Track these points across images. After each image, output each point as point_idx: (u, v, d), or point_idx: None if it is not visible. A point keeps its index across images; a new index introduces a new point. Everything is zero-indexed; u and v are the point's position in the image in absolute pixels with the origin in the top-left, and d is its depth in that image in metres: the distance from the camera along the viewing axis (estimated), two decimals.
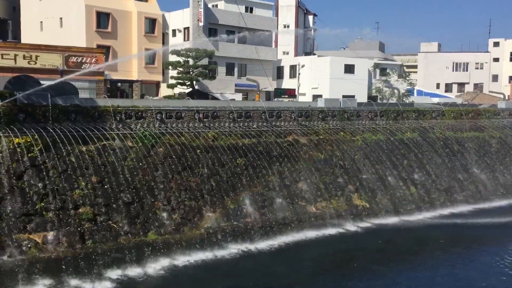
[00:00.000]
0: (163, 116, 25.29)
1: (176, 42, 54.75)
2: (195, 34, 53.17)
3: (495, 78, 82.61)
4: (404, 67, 79.90)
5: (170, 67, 50.08)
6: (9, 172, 19.62)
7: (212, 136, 25.30)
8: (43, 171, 20.16)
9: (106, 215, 20.70)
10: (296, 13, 70.11)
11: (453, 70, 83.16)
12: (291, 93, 56.54)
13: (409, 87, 65.46)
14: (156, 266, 18.70)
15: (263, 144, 26.36)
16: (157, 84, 53.86)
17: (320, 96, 47.64)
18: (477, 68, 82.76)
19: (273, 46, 65.07)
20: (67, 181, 20.57)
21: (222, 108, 27.51)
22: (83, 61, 37.23)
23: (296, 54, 68.52)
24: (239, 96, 52.41)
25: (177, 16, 55.58)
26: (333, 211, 25.58)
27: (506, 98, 68.98)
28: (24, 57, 34.95)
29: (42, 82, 24.46)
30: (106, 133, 22.49)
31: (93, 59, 37.79)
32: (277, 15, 67.77)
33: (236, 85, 56.24)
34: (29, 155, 20.11)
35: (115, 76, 48.19)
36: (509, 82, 78.24)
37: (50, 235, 19.25)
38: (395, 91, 62.45)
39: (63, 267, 17.94)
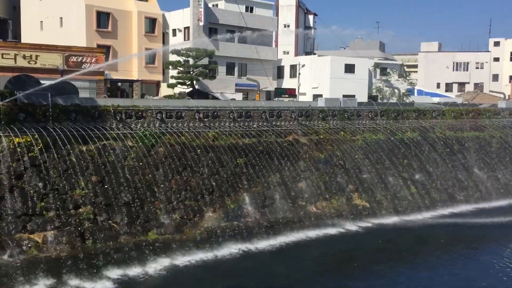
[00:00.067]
0: (163, 116, 25.29)
1: (176, 41, 54.73)
2: (195, 33, 53.17)
3: (495, 77, 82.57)
4: (405, 67, 79.85)
5: (170, 66, 50.08)
6: (9, 171, 19.62)
7: (212, 135, 25.29)
8: (43, 170, 20.17)
9: (106, 214, 20.71)
10: (296, 12, 70.09)
11: (453, 70, 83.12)
12: (291, 92, 56.53)
13: (409, 86, 65.44)
14: (156, 266, 18.69)
15: (263, 143, 26.36)
16: (157, 84, 53.86)
17: (321, 95, 47.63)
18: (478, 68, 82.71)
19: (274, 45, 65.06)
20: (67, 180, 20.57)
21: (222, 107, 27.50)
22: (83, 60, 37.21)
23: (297, 54, 68.50)
24: (239, 96, 52.40)
25: (177, 15, 55.58)
26: (333, 211, 25.59)
27: (507, 97, 68.98)
28: (24, 57, 34.94)
29: (42, 81, 24.46)
30: (106, 133, 22.49)
31: (93, 59, 37.78)
32: (277, 14, 67.76)
33: (236, 85, 56.23)
34: (29, 154, 20.11)
35: (115, 75, 48.17)
36: (510, 82, 78.20)
37: (50, 235, 19.26)
38: (396, 90, 62.41)
39: (63, 266, 17.94)
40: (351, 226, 24.75)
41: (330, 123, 30.87)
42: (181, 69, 48.46)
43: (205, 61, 49.97)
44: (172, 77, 49.06)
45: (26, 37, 54.03)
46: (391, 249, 22.24)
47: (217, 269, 19.04)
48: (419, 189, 29.20)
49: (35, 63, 35.23)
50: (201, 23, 52.92)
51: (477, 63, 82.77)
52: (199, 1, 52.46)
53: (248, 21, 56.44)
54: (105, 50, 43.82)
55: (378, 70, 64.30)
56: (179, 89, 49.40)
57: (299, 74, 60.50)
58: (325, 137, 28.97)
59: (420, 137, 32.45)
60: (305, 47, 74.16)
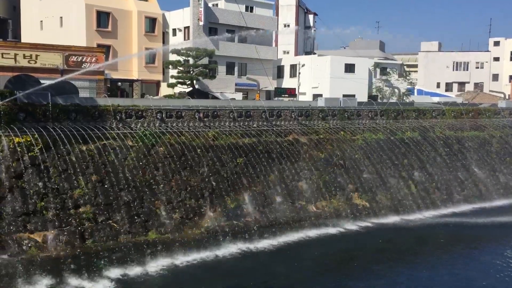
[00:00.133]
0: (163, 116, 25.28)
1: (177, 41, 54.71)
2: (195, 33, 53.15)
3: (495, 77, 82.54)
4: (405, 66, 79.83)
5: (170, 66, 50.07)
6: (9, 171, 19.62)
7: (212, 135, 25.29)
8: (43, 170, 20.16)
9: (106, 214, 20.71)
10: (296, 12, 70.07)
11: (453, 70, 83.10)
12: (291, 92, 56.51)
13: (409, 86, 65.44)
14: (156, 266, 18.70)
15: (263, 143, 26.35)
16: (157, 84, 53.85)
17: (321, 95, 47.62)
18: (478, 68, 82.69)
19: (274, 45, 65.04)
20: (67, 180, 20.56)
21: (222, 107, 27.50)
22: (83, 60, 37.19)
23: (297, 53, 68.48)
24: (239, 96, 52.39)
25: (177, 15, 55.57)
26: (333, 211, 25.59)
27: (507, 97, 68.95)
28: (24, 56, 34.92)
29: (42, 81, 24.45)
30: (106, 133, 22.49)
31: (93, 59, 37.76)
32: (277, 14, 67.73)
33: (236, 84, 56.21)
34: (29, 154, 20.11)
35: (115, 75, 48.16)
36: (510, 81, 78.18)
37: (51, 234, 19.26)
38: (396, 90, 62.40)
39: (63, 266, 17.95)
40: (351, 226, 24.75)
41: (330, 122, 30.87)
42: (181, 68, 48.45)
43: (205, 60, 49.96)
44: (172, 76, 49.05)
45: (26, 36, 54.01)
46: (391, 249, 22.24)
47: (217, 268, 19.05)
48: (419, 188, 29.20)
49: (35, 62, 35.21)
50: (201, 23, 52.90)
51: (477, 62, 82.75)
52: (199, 1, 52.45)
53: (248, 21, 56.41)
54: (105, 49, 43.81)
55: (378, 70, 64.28)
56: (179, 88, 49.40)
57: (299, 73, 60.48)
58: (325, 136, 28.97)
59: (420, 137, 32.45)
60: (305, 46, 74.13)
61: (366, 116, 32.96)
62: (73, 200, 20.28)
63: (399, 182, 28.72)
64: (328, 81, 57.76)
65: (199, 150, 24.05)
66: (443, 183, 30.48)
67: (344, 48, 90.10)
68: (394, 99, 55.93)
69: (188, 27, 53.96)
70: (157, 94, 51.81)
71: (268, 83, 58.60)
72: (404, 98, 59.34)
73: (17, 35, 56.96)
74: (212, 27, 54.84)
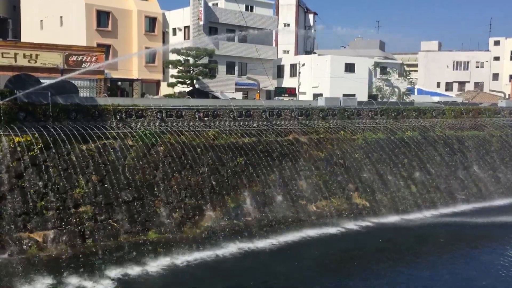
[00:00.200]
0: (164, 115, 25.28)
1: (177, 41, 54.72)
2: (195, 33, 53.15)
3: (495, 77, 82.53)
4: (405, 66, 79.87)
5: (170, 66, 50.08)
6: (9, 171, 19.62)
7: (212, 135, 25.29)
8: (43, 170, 20.16)
9: (106, 214, 20.70)
10: (296, 12, 70.06)
11: (453, 69, 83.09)
12: (291, 92, 56.52)
13: (409, 85, 65.47)
14: (156, 265, 18.71)
15: (264, 143, 26.35)
16: (158, 83, 53.85)
17: (321, 95, 47.60)
18: (478, 67, 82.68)
19: (274, 45, 65.04)
20: (68, 180, 20.56)
21: (223, 107, 27.50)
22: (83, 59, 37.17)
23: (297, 53, 68.48)
24: (239, 95, 52.38)
25: (177, 15, 55.56)
26: (334, 210, 25.58)
27: (507, 97, 68.95)
28: (24, 56, 34.91)
29: (42, 80, 24.44)
30: (106, 132, 22.48)
31: (93, 58, 37.75)
32: (277, 14, 67.72)
33: (236, 84, 56.21)
34: (29, 154, 20.10)
35: (115, 75, 48.17)
36: (510, 81, 78.17)
37: (51, 234, 19.26)
38: (396, 90, 62.40)
39: (64, 266, 17.95)
40: (351, 225, 24.76)
41: (330, 122, 30.86)
42: (181, 68, 48.46)
43: (205, 60, 49.95)
44: (172, 76, 49.07)
45: (26, 36, 54.03)
46: (391, 249, 22.24)
47: (217, 268, 19.05)
48: (419, 188, 29.19)
49: (35, 62, 35.20)
50: (201, 22, 52.89)
51: (477, 62, 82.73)
52: (199, 0, 52.45)
53: (248, 20, 56.40)
54: (105, 49, 43.81)
55: (378, 69, 64.28)
56: (179, 88, 49.40)
57: (299, 73, 60.49)
58: (325, 136, 28.97)
59: (420, 136, 32.45)
60: (305, 46, 74.13)
61: (366, 116, 32.96)
62: (73, 199, 20.27)
63: (399, 182, 28.71)
64: (328, 80, 57.76)
65: (199, 150, 24.05)
66: (443, 182, 30.49)
67: (344, 47, 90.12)
68: (394, 99, 55.93)
69: (188, 27, 53.96)
70: (157, 94, 51.82)
71: (268, 83, 58.60)
72: (404, 98, 59.35)
73: (17, 34, 56.96)
74: (212, 27, 54.84)
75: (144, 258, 19.08)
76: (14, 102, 21.16)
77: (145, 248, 19.86)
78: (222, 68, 55.10)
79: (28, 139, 20.20)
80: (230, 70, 56.50)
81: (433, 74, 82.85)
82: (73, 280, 17.09)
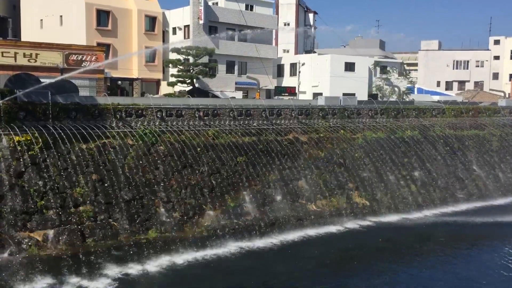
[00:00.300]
0: (164, 114, 25.28)
1: (176, 40, 54.66)
2: (195, 32, 53.10)
3: (495, 76, 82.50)
4: (405, 65, 79.82)
5: (170, 65, 50.03)
6: (9, 170, 19.63)
7: (212, 134, 25.29)
8: (43, 169, 20.17)
9: (106, 213, 20.71)
10: (296, 11, 70.05)
11: (453, 68, 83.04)
12: (291, 91, 56.42)
13: (409, 85, 65.40)
14: (156, 264, 18.69)
15: (264, 142, 26.35)
16: (158, 82, 53.82)
17: (321, 94, 47.58)
18: (478, 66, 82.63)
19: (274, 44, 65.00)
20: (68, 179, 20.57)
21: (223, 106, 27.50)
22: (83, 59, 37.14)
23: (297, 52, 68.43)
24: (239, 94, 52.36)
25: (177, 14, 55.51)
26: (333, 209, 25.58)
27: (507, 96, 68.96)
28: (24, 55, 34.87)
29: (42, 80, 24.44)
30: (106, 131, 22.48)
31: (93, 57, 37.71)
32: (277, 13, 67.69)
33: (236, 83, 56.18)
34: (29, 153, 20.11)
35: (115, 74, 48.13)
36: (510, 80, 78.14)
37: (51, 233, 19.27)
38: (396, 89, 62.36)
39: (64, 265, 17.95)
40: (351, 225, 24.75)
41: (330, 121, 30.87)
42: (181, 67, 48.44)
43: (205, 59, 49.93)
44: (172, 75, 49.04)
45: (26, 35, 53.97)
46: (391, 248, 22.25)
47: (217, 267, 19.04)
48: (419, 187, 29.20)
49: (35, 61, 35.16)
50: (201, 22, 52.85)
51: (477, 61, 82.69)
52: (199, 0, 52.41)
53: (248, 20, 56.37)
54: (105, 48, 43.72)
55: (378, 69, 64.22)
56: (179, 87, 49.37)
57: (299, 72, 60.44)
58: (325, 135, 28.98)
59: (420, 136, 32.45)
60: (305, 45, 74.11)
61: (366, 115, 32.96)
62: (73, 198, 20.28)
63: (399, 181, 28.71)
64: (328, 79, 57.72)
65: (199, 149, 24.05)
66: (443, 181, 30.49)
67: (344, 46, 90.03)
68: (394, 98, 55.89)
69: (188, 26, 53.91)
70: (157, 93, 51.79)
71: (268, 82, 58.57)
72: (404, 97, 59.31)
73: (17, 33, 56.91)
74: (212, 26, 54.78)
75: (144, 258, 19.07)
76: (14, 101, 21.16)
77: (145, 247, 19.87)
78: (222, 67, 55.06)
79: (28, 138, 20.20)
80: (230, 69, 56.46)
81: (433, 73, 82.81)
82: (73, 279, 17.07)
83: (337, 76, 57.61)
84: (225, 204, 23.29)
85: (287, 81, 61.69)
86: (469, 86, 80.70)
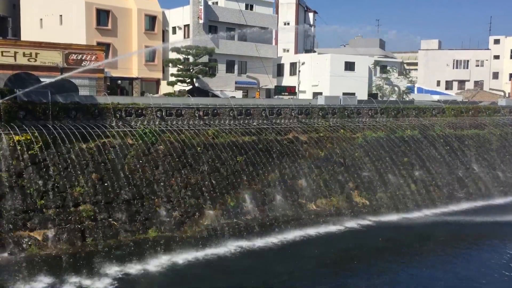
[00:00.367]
0: (163, 114, 25.27)
1: (176, 39, 54.65)
2: (195, 31, 53.08)
3: (495, 75, 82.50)
4: (405, 65, 79.74)
5: (170, 64, 50.03)
6: (9, 169, 19.62)
7: (212, 133, 25.28)
8: (43, 168, 20.17)
9: (106, 212, 20.71)
10: (296, 10, 70.02)
11: (453, 68, 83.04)
12: (291, 90, 56.43)
13: (409, 84, 65.37)
14: (156, 264, 18.69)
15: (263, 141, 26.35)
16: (157, 82, 53.81)
17: (320, 93, 47.58)
18: (478, 66, 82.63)
19: (273, 43, 64.94)
20: (67, 178, 20.57)
21: (222, 105, 27.49)
22: (83, 58, 37.14)
23: (296, 52, 68.41)
24: (239, 94, 52.35)
25: (177, 13, 55.50)
26: (333, 209, 25.58)
27: (507, 95, 68.95)
28: (24, 55, 34.86)
29: (42, 79, 24.43)
30: (106, 131, 22.48)
31: (93, 57, 37.71)
32: (277, 12, 67.68)
33: (236, 83, 56.18)
34: (29, 152, 20.11)
35: (115, 73, 48.12)
36: (510, 80, 78.14)
37: (51, 233, 19.27)
38: (396, 88, 62.32)
39: (63, 264, 17.96)
40: (351, 224, 24.75)
41: (330, 121, 30.86)
42: (181, 67, 48.43)
43: (205, 59, 49.93)
44: (172, 75, 49.03)
45: (26, 35, 53.96)
46: (391, 247, 22.24)
47: (217, 266, 19.04)
48: (419, 186, 29.20)
49: (35, 61, 35.16)
50: (201, 21, 52.84)
51: (477, 61, 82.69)
52: None
53: (248, 19, 56.36)
54: (105, 48, 43.71)
55: (378, 68, 64.18)
56: (179, 87, 49.37)
57: (299, 72, 60.43)
58: (325, 135, 28.97)
59: (420, 135, 32.44)
60: (305, 45, 74.08)
61: (366, 114, 32.96)
62: (73, 198, 20.28)
63: (399, 180, 28.72)
64: (328, 79, 57.71)
65: (199, 148, 24.05)
66: (443, 181, 30.48)
67: (344, 46, 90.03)
68: (394, 97, 55.88)
69: (188, 25, 53.89)
70: (157, 92, 51.80)
71: (268, 81, 58.57)
72: (404, 96, 59.28)
73: (17, 33, 56.89)
74: (212, 25, 54.77)
75: (144, 257, 19.06)
76: (14, 101, 21.16)
77: (145, 246, 19.87)
78: (222, 67, 55.05)
79: (28, 138, 20.20)
80: (230, 68, 56.45)
81: (433, 72, 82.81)
82: (73, 278, 17.07)
83: (337, 75, 57.61)
84: (225, 203, 23.30)
85: (287, 80, 61.68)
86: (469, 85, 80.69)
